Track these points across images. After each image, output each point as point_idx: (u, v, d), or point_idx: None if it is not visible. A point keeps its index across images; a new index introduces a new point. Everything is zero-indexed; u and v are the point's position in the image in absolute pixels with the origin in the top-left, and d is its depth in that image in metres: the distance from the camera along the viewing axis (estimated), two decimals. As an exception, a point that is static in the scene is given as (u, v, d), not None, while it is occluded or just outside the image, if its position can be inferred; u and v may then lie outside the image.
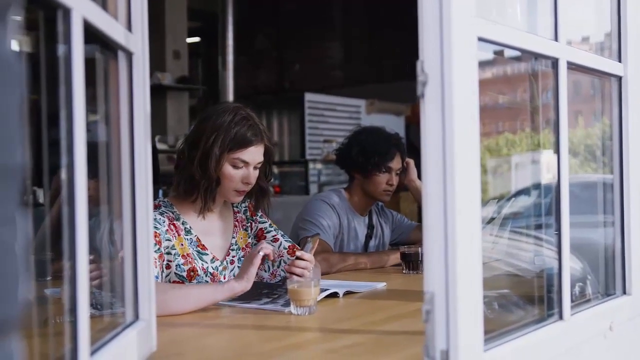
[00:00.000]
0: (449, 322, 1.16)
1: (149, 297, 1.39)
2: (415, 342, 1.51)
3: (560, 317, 1.51)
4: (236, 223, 2.37)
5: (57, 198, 1.50)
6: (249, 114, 2.24)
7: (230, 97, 8.39)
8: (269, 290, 2.14)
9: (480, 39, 1.24)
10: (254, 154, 2.21)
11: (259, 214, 2.43)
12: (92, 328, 1.05)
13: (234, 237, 2.35)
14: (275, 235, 2.40)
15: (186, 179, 2.20)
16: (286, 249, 2.35)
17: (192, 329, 1.80)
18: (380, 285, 2.35)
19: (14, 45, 0.59)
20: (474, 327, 1.20)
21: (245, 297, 2.03)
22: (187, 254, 2.18)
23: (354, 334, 1.67)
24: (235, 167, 2.19)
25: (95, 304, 1.32)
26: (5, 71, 0.56)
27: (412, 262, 2.65)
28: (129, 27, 1.34)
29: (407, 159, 3.10)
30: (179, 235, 2.19)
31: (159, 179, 4.34)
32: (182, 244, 2.18)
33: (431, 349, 1.17)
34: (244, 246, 2.37)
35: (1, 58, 0.56)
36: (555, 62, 1.50)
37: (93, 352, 1.09)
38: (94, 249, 1.14)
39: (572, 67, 1.57)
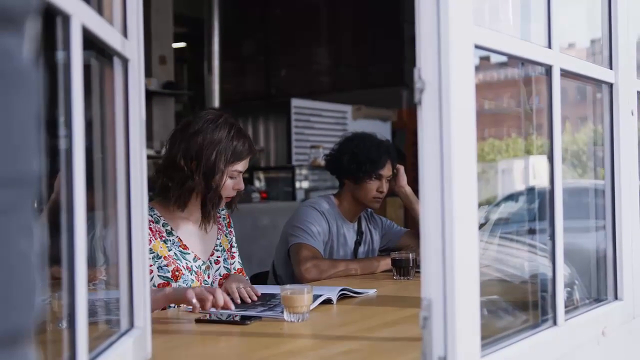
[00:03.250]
0: (447, 329, 1.16)
1: (144, 305, 1.38)
2: (411, 348, 1.51)
3: (555, 323, 1.52)
4: (219, 226, 2.46)
5: (47, 203, 1.50)
6: (240, 126, 2.36)
7: (216, 102, 8.38)
8: (264, 300, 2.13)
9: (477, 46, 1.24)
10: (247, 163, 2.34)
11: (231, 227, 2.55)
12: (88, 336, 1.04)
13: (218, 239, 2.43)
14: (235, 253, 2.51)
15: (187, 191, 2.25)
16: (235, 270, 2.45)
17: (187, 336, 1.80)
18: (372, 292, 2.35)
19: (31, 54, 0.58)
20: (472, 333, 1.20)
21: (241, 307, 2.02)
22: (169, 255, 2.23)
23: (348, 341, 1.67)
24: (231, 177, 2.29)
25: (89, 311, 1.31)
26: (23, 80, 0.56)
27: (403, 268, 2.65)
28: (124, 33, 1.33)
29: (398, 165, 3.11)
30: (156, 238, 2.24)
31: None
32: (161, 247, 2.23)
33: (429, 356, 1.17)
34: (227, 249, 2.46)
35: (19, 67, 0.56)
36: (549, 69, 1.51)
37: (90, 361, 1.08)
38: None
39: (564, 73, 1.58)
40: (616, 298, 1.83)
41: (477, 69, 1.51)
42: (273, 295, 2.19)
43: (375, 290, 2.38)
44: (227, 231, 2.49)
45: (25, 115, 0.56)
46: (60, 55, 1.00)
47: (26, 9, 0.57)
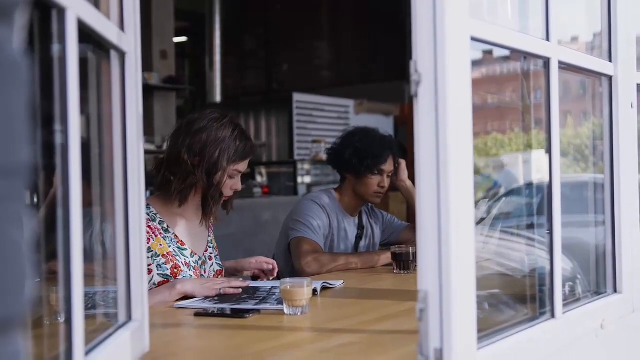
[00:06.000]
0: (443, 321, 1.16)
1: (142, 298, 1.38)
2: (409, 341, 1.51)
3: (552, 316, 1.52)
4: (210, 224, 2.49)
5: (47, 198, 1.50)
6: (243, 128, 2.38)
7: (218, 97, 8.39)
8: (250, 294, 2.13)
9: (474, 39, 1.24)
10: (246, 164, 2.37)
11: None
12: (85, 328, 1.05)
13: (209, 236, 2.47)
14: (213, 254, 2.50)
15: (189, 187, 2.28)
16: (215, 272, 2.45)
17: (185, 329, 1.80)
18: (338, 283, 2.36)
19: (20, 45, 0.59)
20: (468, 325, 1.20)
21: (231, 301, 2.03)
22: (168, 253, 2.26)
23: (347, 334, 1.67)
24: (230, 177, 2.32)
25: (87, 305, 1.32)
26: (12, 71, 0.57)
27: (403, 262, 2.65)
28: (121, 26, 1.33)
29: (399, 160, 3.10)
30: (156, 236, 2.26)
31: (146, 180, 4.34)
32: (160, 244, 2.26)
33: (425, 348, 1.17)
34: (216, 247, 2.50)
35: (8, 58, 0.56)
36: (547, 62, 1.51)
37: (87, 353, 1.09)
38: (84, 249, 1.13)
39: (563, 66, 1.58)
40: (615, 291, 1.83)
41: (480, 62, 1.51)
42: (257, 289, 2.21)
43: (343, 281, 2.39)
44: (213, 230, 2.54)
45: (14, 106, 0.57)
46: (55, 48, 1.00)
47: (15, 0, 0.57)
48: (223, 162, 2.27)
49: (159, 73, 7.58)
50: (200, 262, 2.37)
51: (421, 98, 1.17)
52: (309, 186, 7.50)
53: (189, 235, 2.37)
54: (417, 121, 1.18)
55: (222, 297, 2.09)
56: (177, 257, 2.27)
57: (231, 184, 2.33)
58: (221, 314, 1.88)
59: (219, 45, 8.44)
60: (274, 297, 2.05)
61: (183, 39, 10.11)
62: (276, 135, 8.51)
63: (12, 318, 0.57)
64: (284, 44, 10.15)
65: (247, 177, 7.15)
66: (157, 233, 2.27)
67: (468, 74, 1.21)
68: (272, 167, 7.98)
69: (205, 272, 2.38)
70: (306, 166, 7.62)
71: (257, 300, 2.02)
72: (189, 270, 2.29)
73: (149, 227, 2.24)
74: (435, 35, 1.16)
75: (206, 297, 2.09)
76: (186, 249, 2.33)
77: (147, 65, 7.26)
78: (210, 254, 2.44)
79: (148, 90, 7.28)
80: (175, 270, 2.25)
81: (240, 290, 2.15)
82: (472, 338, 1.21)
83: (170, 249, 2.27)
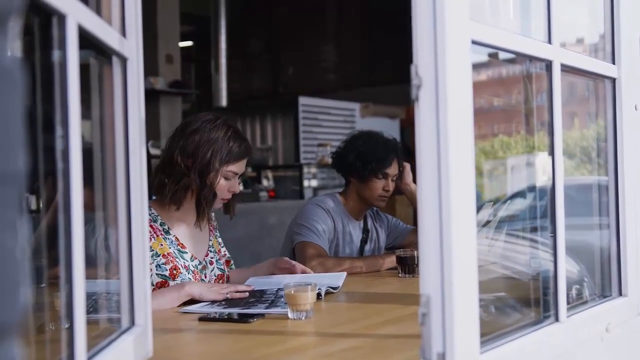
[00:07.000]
0: (445, 325, 1.16)
1: (145, 303, 1.39)
2: (412, 345, 1.50)
3: (557, 319, 1.51)
4: (211, 228, 2.50)
5: (51, 204, 1.50)
6: (238, 129, 2.39)
7: (224, 101, 8.38)
8: (257, 297, 2.13)
9: (475, 42, 1.24)
10: (243, 166, 2.36)
11: (217, 230, 2.57)
12: (88, 334, 1.05)
13: (210, 240, 2.47)
14: (221, 254, 2.52)
15: (183, 188, 2.28)
16: (216, 276, 2.45)
17: (188, 334, 1.80)
18: (341, 279, 2.37)
19: (15, 52, 0.59)
20: (470, 329, 1.20)
21: (239, 305, 2.03)
22: (168, 253, 2.27)
23: (350, 338, 1.67)
24: (226, 178, 2.32)
25: (89, 309, 1.32)
26: (7, 78, 0.57)
27: (408, 266, 2.64)
28: (123, 32, 1.34)
29: (404, 163, 3.10)
30: (157, 236, 2.27)
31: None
32: (161, 244, 2.27)
33: (427, 352, 1.17)
34: (217, 250, 2.50)
35: (2, 66, 0.57)
36: (549, 65, 1.51)
37: (89, 358, 1.09)
38: (88, 255, 1.14)
39: (566, 69, 1.57)
40: (620, 294, 1.82)
41: (486, 65, 1.51)
42: (263, 292, 2.20)
43: (345, 273, 2.42)
44: (216, 233, 2.54)
45: (9, 113, 0.57)
46: (56, 54, 1.01)
47: (9, 8, 0.57)
48: (215, 163, 2.27)
49: (165, 77, 7.58)
50: (200, 267, 2.37)
51: (422, 102, 1.17)
52: (315, 190, 7.50)
53: (190, 239, 2.37)
54: (418, 125, 1.18)
55: (229, 302, 2.08)
56: (177, 259, 2.28)
57: (228, 186, 2.32)
58: (225, 318, 1.88)
59: (225, 48, 8.44)
60: (282, 299, 2.05)
61: (189, 43, 10.12)
62: (282, 139, 8.51)
63: (7, 325, 0.57)
64: (289, 47, 10.15)
65: (253, 181, 7.15)
66: (158, 233, 2.28)
67: (469, 77, 1.21)
68: (278, 170, 7.97)
69: (205, 277, 2.38)
70: (312, 170, 7.62)
71: (267, 304, 2.02)
72: (188, 273, 2.29)
73: (150, 226, 2.24)
74: (436, 38, 1.16)
75: (213, 302, 2.09)
76: (186, 252, 2.33)
77: (152, 69, 7.27)
78: (211, 258, 2.44)
79: (154, 95, 7.28)
80: (175, 272, 2.25)
81: (247, 294, 2.15)
82: (475, 342, 1.21)
83: (171, 250, 2.28)
